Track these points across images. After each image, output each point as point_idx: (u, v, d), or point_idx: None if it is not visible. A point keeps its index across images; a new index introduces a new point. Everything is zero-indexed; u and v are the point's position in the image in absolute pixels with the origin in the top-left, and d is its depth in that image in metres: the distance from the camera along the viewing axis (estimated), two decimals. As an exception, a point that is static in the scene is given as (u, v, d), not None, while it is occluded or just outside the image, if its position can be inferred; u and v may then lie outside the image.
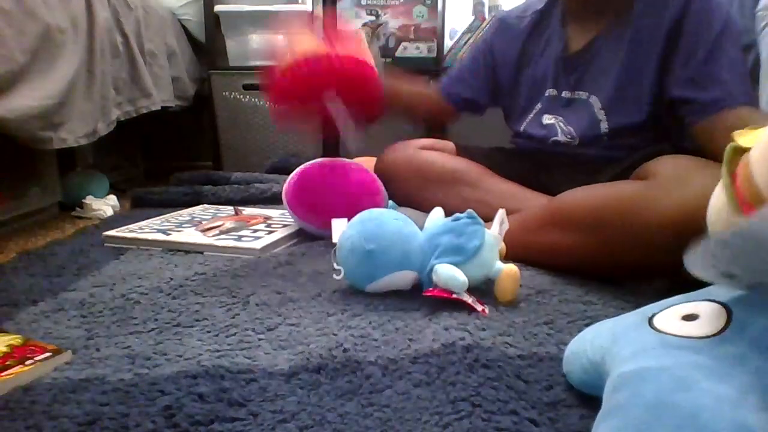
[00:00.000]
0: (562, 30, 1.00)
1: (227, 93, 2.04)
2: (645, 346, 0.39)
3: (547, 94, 1.04)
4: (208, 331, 0.63)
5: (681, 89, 0.87)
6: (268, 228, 1.10)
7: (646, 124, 0.93)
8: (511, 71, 1.09)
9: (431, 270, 0.69)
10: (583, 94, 0.99)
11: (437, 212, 0.79)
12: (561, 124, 1.02)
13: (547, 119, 1.04)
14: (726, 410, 0.31)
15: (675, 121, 0.91)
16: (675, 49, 0.87)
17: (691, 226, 0.66)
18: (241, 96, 2.03)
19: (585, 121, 0.98)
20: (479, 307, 0.66)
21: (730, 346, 0.36)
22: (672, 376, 0.34)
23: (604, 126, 0.96)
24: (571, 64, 0.99)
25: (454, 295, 0.66)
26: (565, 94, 1.02)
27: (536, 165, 1.08)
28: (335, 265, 0.74)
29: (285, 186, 1.07)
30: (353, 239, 0.73)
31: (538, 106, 1.06)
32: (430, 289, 0.69)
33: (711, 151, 0.80)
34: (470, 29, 2.12)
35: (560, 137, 1.02)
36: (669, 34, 0.87)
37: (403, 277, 0.73)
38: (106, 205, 1.40)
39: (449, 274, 0.67)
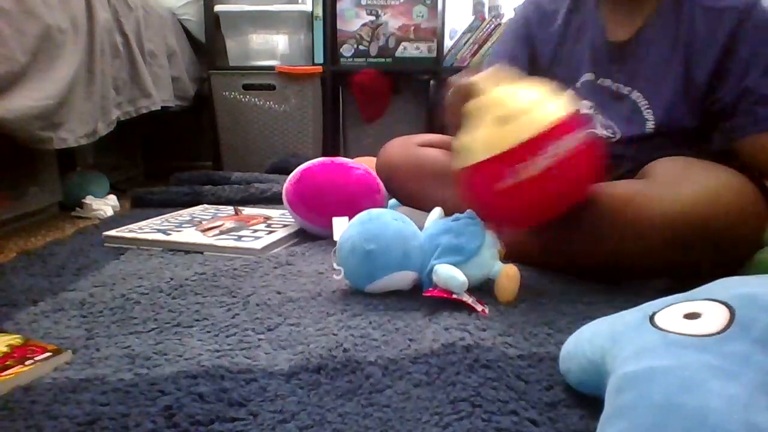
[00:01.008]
0: (598, 15, 0.96)
1: (227, 93, 2.04)
2: (648, 346, 0.39)
3: (584, 79, 0.98)
4: (208, 331, 0.63)
5: (737, 100, 0.84)
6: (268, 228, 1.10)
7: (696, 130, 0.90)
8: (550, 52, 1.03)
9: (431, 270, 0.69)
10: (625, 89, 0.94)
11: (436, 212, 0.79)
12: (600, 117, 0.95)
13: (586, 108, 0.97)
14: (736, 411, 0.31)
15: (718, 130, 0.89)
16: (732, 57, 0.84)
17: (687, 226, 0.66)
18: (241, 96, 2.03)
19: (628, 117, 0.93)
20: (479, 308, 0.66)
21: (735, 345, 0.35)
22: (679, 376, 0.34)
23: (650, 125, 0.91)
24: (616, 54, 0.94)
25: (454, 296, 0.66)
26: (603, 82, 0.96)
27: None
28: (335, 265, 0.74)
29: (286, 185, 1.07)
30: (353, 239, 0.73)
31: (570, 91, 0.99)
32: (430, 289, 0.69)
33: (755, 166, 0.80)
34: (470, 29, 2.12)
35: (598, 131, 0.95)
36: (726, 41, 0.84)
37: (403, 278, 0.73)
38: (106, 205, 1.40)
39: (449, 274, 0.67)
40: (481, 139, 0.69)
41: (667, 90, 0.89)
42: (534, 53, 1.04)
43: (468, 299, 0.67)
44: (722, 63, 0.85)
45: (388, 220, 0.74)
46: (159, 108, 1.65)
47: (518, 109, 0.68)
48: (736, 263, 0.69)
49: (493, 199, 0.70)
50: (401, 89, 2.29)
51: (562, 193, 0.69)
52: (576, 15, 1.00)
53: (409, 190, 1.06)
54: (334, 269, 0.74)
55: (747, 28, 0.83)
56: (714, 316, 0.38)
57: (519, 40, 1.06)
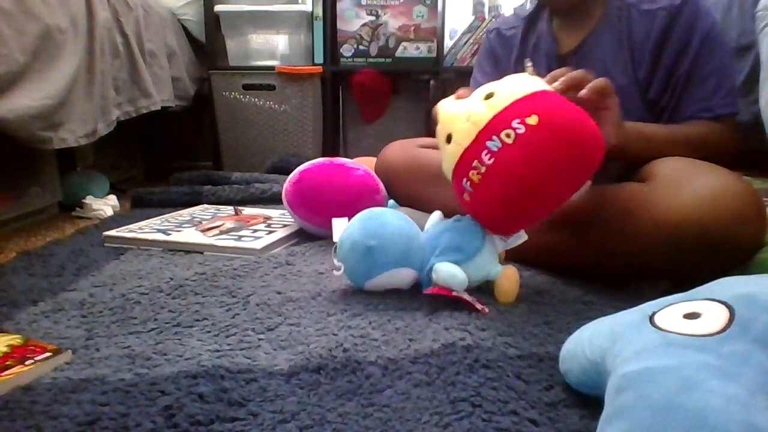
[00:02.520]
0: (550, 30, 1.01)
1: (227, 93, 2.04)
2: (648, 345, 0.39)
3: None
4: (208, 331, 0.63)
5: (665, 99, 0.90)
6: (268, 228, 1.10)
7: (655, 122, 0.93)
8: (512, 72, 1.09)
9: (431, 269, 0.70)
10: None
11: (436, 215, 0.79)
12: None
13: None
14: (735, 411, 0.31)
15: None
16: (661, 57, 0.89)
17: (687, 230, 0.66)
18: (241, 96, 2.03)
19: None
20: (479, 306, 0.66)
21: (734, 344, 0.35)
22: (678, 376, 0.34)
23: None
24: (564, 65, 0.99)
25: (454, 293, 0.66)
26: None
27: None
28: (335, 262, 0.74)
29: (285, 186, 1.07)
30: (355, 235, 0.73)
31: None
32: (430, 287, 0.69)
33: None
34: (470, 29, 2.12)
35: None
36: (658, 40, 0.89)
37: (403, 275, 0.73)
38: (106, 205, 1.40)
39: (449, 271, 0.67)
40: (444, 162, 0.73)
41: (617, 92, 0.91)
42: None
43: (468, 298, 0.67)
44: (657, 60, 0.90)
45: (389, 218, 0.75)
46: (159, 108, 1.65)
47: (454, 125, 0.69)
48: (737, 266, 0.69)
49: (472, 209, 0.71)
50: (401, 89, 2.29)
51: (521, 186, 0.64)
52: (531, 33, 1.05)
53: (409, 191, 1.06)
54: (335, 265, 0.74)
55: (677, 25, 0.88)
56: (714, 316, 0.38)
57: (491, 67, 1.11)
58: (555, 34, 1.00)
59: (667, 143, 0.83)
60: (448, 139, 0.69)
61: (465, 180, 0.67)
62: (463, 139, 0.67)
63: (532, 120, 0.63)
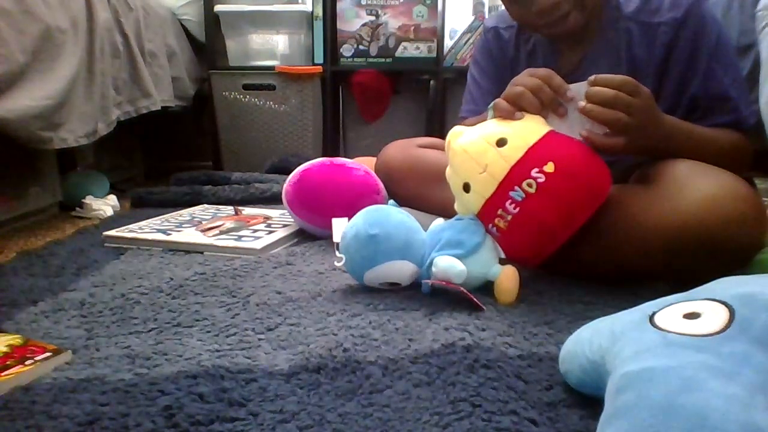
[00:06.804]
0: (547, 43, 0.99)
1: (227, 93, 2.04)
2: (648, 345, 0.39)
3: None
4: (208, 331, 0.63)
5: (679, 112, 0.87)
6: (268, 228, 1.10)
7: None
8: (508, 77, 1.07)
9: (431, 264, 0.70)
10: None
11: (439, 222, 0.80)
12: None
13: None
14: (736, 411, 0.31)
15: None
16: (667, 72, 0.88)
17: (687, 234, 0.66)
18: (241, 96, 2.03)
19: None
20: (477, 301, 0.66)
21: (734, 344, 0.35)
22: (679, 376, 0.34)
23: None
24: (566, 81, 0.97)
25: (453, 285, 0.67)
26: None
27: None
28: (337, 254, 0.74)
29: (285, 186, 1.07)
30: (358, 225, 0.74)
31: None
32: (429, 279, 0.70)
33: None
34: (470, 29, 2.12)
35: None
36: (664, 55, 0.87)
37: (403, 268, 0.73)
38: (106, 205, 1.40)
39: (448, 263, 0.68)
40: (462, 208, 0.76)
41: None
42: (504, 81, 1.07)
43: (466, 291, 0.67)
44: (663, 74, 0.88)
45: (393, 211, 0.76)
46: (159, 108, 1.65)
47: (471, 176, 0.72)
48: (737, 267, 0.69)
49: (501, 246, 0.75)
50: (401, 89, 2.29)
51: (547, 230, 0.70)
52: (524, 38, 1.03)
53: (409, 191, 1.06)
54: (336, 257, 0.74)
55: (681, 40, 0.86)
56: (713, 316, 0.38)
57: (490, 65, 1.09)
58: (554, 48, 0.98)
59: (706, 147, 0.81)
60: (466, 187, 0.73)
61: (491, 225, 0.72)
62: (484, 190, 0.70)
63: (549, 168, 0.67)
